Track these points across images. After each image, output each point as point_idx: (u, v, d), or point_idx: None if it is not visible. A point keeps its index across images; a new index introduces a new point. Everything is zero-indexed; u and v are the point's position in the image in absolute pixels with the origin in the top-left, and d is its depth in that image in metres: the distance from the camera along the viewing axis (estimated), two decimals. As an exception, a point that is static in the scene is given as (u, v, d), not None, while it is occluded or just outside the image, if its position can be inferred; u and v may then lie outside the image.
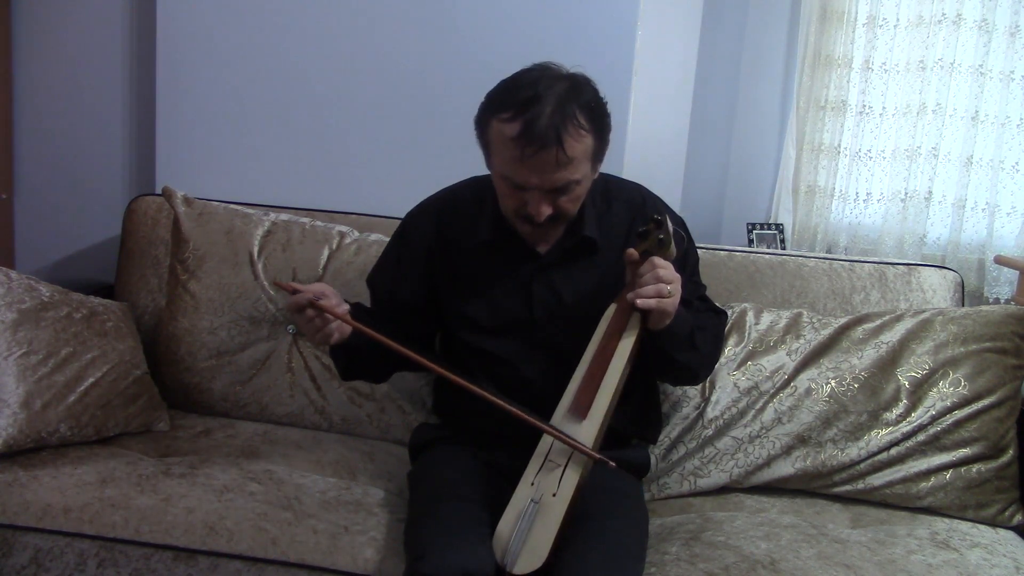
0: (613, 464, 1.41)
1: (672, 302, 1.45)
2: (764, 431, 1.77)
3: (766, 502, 1.73)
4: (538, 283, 1.61)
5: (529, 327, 1.61)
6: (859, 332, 1.82)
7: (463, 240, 1.63)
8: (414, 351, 1.43)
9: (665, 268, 1.45)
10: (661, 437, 1.80)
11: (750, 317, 1.87)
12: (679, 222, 1.66)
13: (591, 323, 1.53)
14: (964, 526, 1.67)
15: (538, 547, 1.34)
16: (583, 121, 1.42)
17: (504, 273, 1.62)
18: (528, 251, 1.59)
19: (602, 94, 1.49)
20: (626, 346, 1.48)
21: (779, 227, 2.61)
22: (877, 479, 1.72)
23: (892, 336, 1.80)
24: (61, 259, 2.52)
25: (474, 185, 1.65)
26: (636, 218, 1.62)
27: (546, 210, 1.48)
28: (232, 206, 2.09)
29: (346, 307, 1.50)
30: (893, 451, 1.72)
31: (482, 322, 1.63)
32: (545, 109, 1.40)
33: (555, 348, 1.59)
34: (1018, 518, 1.71)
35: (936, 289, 1.95)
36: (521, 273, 1.61)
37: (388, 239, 1.88)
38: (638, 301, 1.44)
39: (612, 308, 1.52)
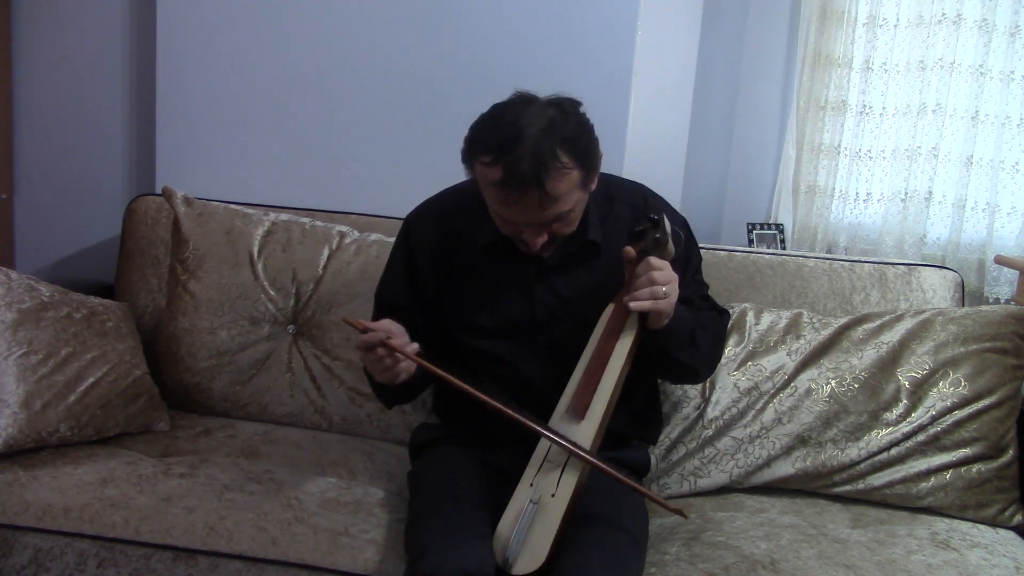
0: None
1: (668, 302, 1.44)
2: (764, 431, 1.77)
3: (766, 502, 1.73)
4: (540, 286, 1.61)
5: (530, 329, 1.61)
6: (859, 332, 1.82)
7: (466, 242, 1.63)
8: (481, 389, 1.42)
9: (661, 268, 1.44)
10: (661, 437, 1.80)
11: (750, 317, 1.87)
12: (681, 222, 1.66)
13: (592, 324, 1.53)
14: (964, 526, 1.67)
15: (537, 547, 1.34)
16: (565, 159, 1.40)
17: (506, 276, 1.61)
18: (531, 254, 1.59)
19: (587, 116, 1.46)
20: (624, 346, 1.48)
21: (779, 227, 2.61)
22: (877, 479, 1.72)
23: (892, 336, 1.80)
24: (61, 259, 2.52)
25: (476, 187, 1.65)
26: (637, 219, 1.62)
27: (541, 240, 1.48)
28: (232, 206, 2.09)
29: (415, 346, 1.46)
30: (893, 451, 1.72)
31: (483, 324, 1.62)
32: (525, 152, 1.37)
33: (556, 349, 1.59)
34: (1018, 518, 1.71)
35: (936, 289, 1.95)
36: (523, 276, 1.61)
37: (388, 239, 1.88)
38: (631, 304, 1.44)
39: (610, 308, 1.52)
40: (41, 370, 1.72)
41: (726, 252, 2.04)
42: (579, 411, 1.44)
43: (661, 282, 1.43)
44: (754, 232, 2.58)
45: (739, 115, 2.70)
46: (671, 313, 1.47)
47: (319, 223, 2.08)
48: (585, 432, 1.42)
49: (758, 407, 1.78)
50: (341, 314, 1.91)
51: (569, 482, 1.39)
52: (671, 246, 1.47)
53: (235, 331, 1.98)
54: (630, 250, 1.48)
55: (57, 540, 1.51)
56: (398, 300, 1.67)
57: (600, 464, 1.40)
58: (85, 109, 2.45)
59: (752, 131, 2.70)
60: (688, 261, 1.65)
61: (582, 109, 1.47)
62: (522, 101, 1.45)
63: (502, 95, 1.49)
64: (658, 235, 1.46)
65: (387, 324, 1.46)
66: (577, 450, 1.40)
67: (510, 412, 1.41)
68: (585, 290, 1.60)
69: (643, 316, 1.48)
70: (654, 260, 1.45)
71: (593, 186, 1.52)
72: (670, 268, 1.46)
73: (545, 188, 1.39)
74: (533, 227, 1.47)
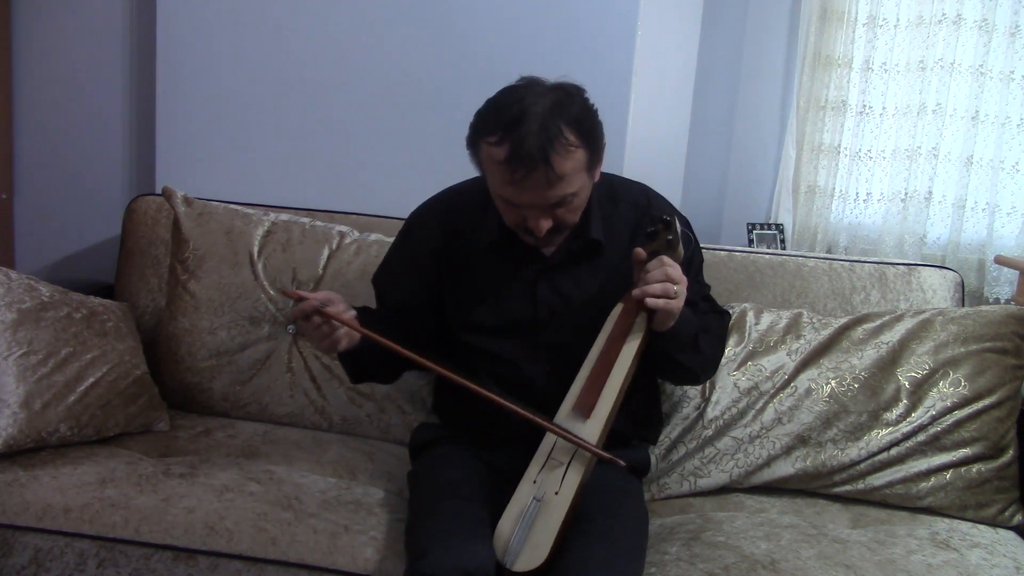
0: (622, 463, 1.41)
1: (678, 303, 1.45)
2: (764, 431, 1.77)
3: (766, 502, 1.73)
4: (543, 285, 1.61)
5: (532, 328, 1.61)
6: (859, 332, 1.82)
7: (468, 241, 1.63)
8: (421, 354, 1.44)
9: (673, 268, 1.45)
10: (661, 437, 1.81)
11: (750, 317, 1.87)
12: (684, 222, 1.66)
13: (595, 323, 1.53)
14: (964, 526, 1.67)
15: (539, 545, 1.34)
16: (571, 137, 1.41)
17: (509, 275, 1.61)
18: (533, 253, 1.59)
19: (591, 101, 1.47)
20: (631, 347, 1.48)
21: (779, 227, 2.61)
22: (877, 479, 1.72)
23: (892, 336, 1.80)
24: (61, 259, 2.52)
25: (479, 185, 1.64)
26: (641, 219, 1.62)
27: (545, 224, 1.48)
28: (232, 206, 2.09)
29: (353, 313, 1.49)
30: (893, 451, 1.72)
31: (485, 323, 1.62)
32: (531, 129, 1.38)
33: (558, 348, 1.59)
34: (1018, 518, 1.71)
35: (936, 289, 1.95)
36: (526, 275, 1.61)
37: (388, 239, 1.89)
38: (647, 300, 1.43)
39: (618, 308, 1.52)
40: (41, 370, 1.72)
41: (726, 252, 2.04)
42: (585, 411, 1.44)
43: (674, 281, 1.43)
44: (754, 232, 2.58)
45: (739, 115, 2.70)
46: (677, 315, 1.47)
47: (319, 223, 2.08)
48: (590, 432, 1.43)
49: (758, 407, 1.78)
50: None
51: (573, 480, 1.39)
52: (681, 248, 1.48)
53: (235, 331, 1.98)
54: (641, 252, 1.47)
55: (57, 540, 1.51)
56: (391, 292, 1.69)
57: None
58: (85, 109, 2.45)
59: (752, 131, 2.70)
60: (691, 262, 1.65)
61: (586, 95, 1.48)
62: (527, 84, 1.46)
63: (502, 95, 1.49)
64: (670, 237, 1.46)
65: (324, 294, 1.47)
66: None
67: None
68: (587, 289, 1.60)
69: (650, 317, 1.48)
70: (666, 259, 1.45)
71: (597, 174, 1.52)
72: (680, 269, 1.46)
73: (551, 164, 1.39)
74: (538, 210, 1.46)
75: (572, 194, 1.46)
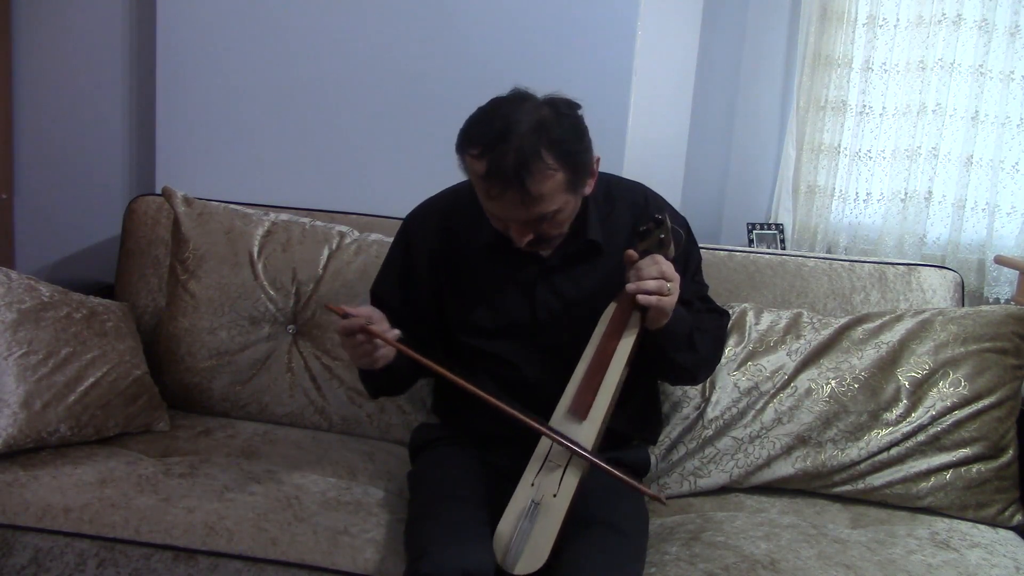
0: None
1: (670, 300, 1.44)
2: (764, 431, 1.77)
3: (766, 502, 1.73)
4: (541, 286, 1.60)
5: (531, 329, 1.61)
6: (859, 332, 1.82)
7: (466, 243, 1.63)
8: (454, 372, 1.44)
9: (666, 265, 1.45)
10: (661, 437, 1.81)
11: (750, 317, 1.87)
12: (681, 222, 1.66)
13: (594, 324, 1.53)
14: (964, 526, 1.67)
15: (539, 548, 1.34)
16: (550, 160, 1.39)
17: (507, 276, 1.61)
18: (531, 255, 1.59)
19: (582, 120, 1.46)
20: (625, 346, 1.48)
21: (779, 227, 2.61)
22: (877, 479, 1.72)
23: (892, 336, 1.80)
24: (61, 259, 2.52)
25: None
26: (638, 218, 1.62)
27: (525, 237, 1.48)
28: (232, 206, 2.09)
29: (396, 332, 1.47)
30: (893, 451, 1.72)
31: (484, 324, 1.62)
32: (510, 148, 1.37)
33: (557, 349, 1.59)
34: (1018, 518, 1.71)
35: (936, 289, 1.95)
36: (524, 276, 1.61)
37: (388, 239, 1.89)
38: (639, 296, 1.43)
39: (612, 307, 1.52)
40: (41, 370, 1.72)
41: (726, 252, 2.04)
42: (581, 411, 1.44)
43: (666, 278, 1.43)
44: (754, 232, 2.58)
45: (739, 115, 2.70)
46: (670, 313, 1.47)
47: (319, 223, 2.08)
48: (587, 432, 1.42)
49: (758, 407, 1.78)
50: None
51: (571, 482, 1.39)
52: (673, 246, 1.48)
53: (235, 331, 1.98)
54: (632, 253, 1.48)
55: (57, 540, 1.51)
56: (391, 299, 1.68)
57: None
58: (85, 109, 2.45)
59: (752, 131, 2.70)
60: (688, 261, 1.65)
61: (580, 112, 1.47)
62: (519, 98, 1.45)
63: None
64: (662, 235, 1.46)
65: (368, 310, 1.47)
66: (570, 444, 1.40)
67: (498, 402, 1.42)
68: (586, 290, 1.60)
69: (643, 316, 1.48)
70: (659, 257, 1.45)
71: (588, 190, 1.51)
72: (673, 267, 1.46)
73: (526, 187, 1.39)
74: (517, 224, 1.47)
75: (552, 212, 1.45)
